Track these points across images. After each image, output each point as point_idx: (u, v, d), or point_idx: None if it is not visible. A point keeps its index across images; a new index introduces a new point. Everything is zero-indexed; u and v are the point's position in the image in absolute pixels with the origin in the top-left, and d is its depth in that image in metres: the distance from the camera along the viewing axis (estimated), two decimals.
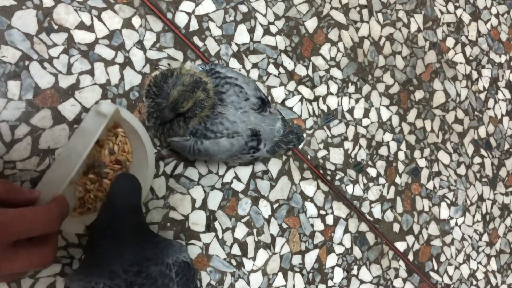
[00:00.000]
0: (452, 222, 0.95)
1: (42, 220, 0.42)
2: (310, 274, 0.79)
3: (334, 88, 0.84)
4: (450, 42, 0.99)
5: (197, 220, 0.71)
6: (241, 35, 0.77)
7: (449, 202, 0.95)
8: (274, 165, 0.77)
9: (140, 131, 0.59)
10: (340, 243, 0.82)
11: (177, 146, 0.62)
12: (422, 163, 0.92)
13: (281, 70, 0.79)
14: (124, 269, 0.47)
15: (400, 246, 0.88)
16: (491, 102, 1.03)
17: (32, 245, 0.42)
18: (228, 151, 0.62)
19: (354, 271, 0.83)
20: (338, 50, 0.85)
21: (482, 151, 1.01)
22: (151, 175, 0.61)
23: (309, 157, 0.81)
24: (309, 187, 0.80)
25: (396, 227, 0.88)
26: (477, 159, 1.00)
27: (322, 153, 0.82)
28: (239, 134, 0.62)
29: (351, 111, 0.85)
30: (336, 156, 0.83)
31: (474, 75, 1.01)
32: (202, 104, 0.58)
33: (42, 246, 0.43)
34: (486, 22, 1.04)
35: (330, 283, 0.81)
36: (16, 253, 0.39)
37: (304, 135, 0.79)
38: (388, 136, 0.89)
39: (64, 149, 0.56)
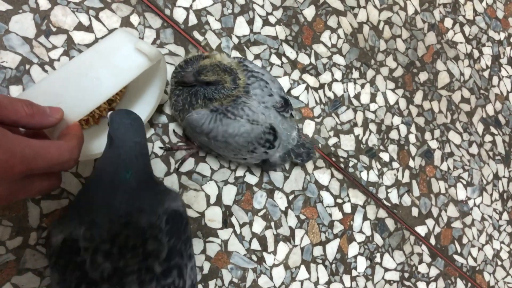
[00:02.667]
0: (470, 203, 0.93)
1: (64, 159, 0.40)
2: (333, 265, 0.77)
3: (338, 74, 0.83)
4: (448, 22, 0.98)
5: (213, 217, 0.69)
6: (241, 27, 0.76)
7: (465, 182, 0.93)
8: None
9: (162, 82, 0.59)
10: (360, 231, 0.80)
11: (193, 122, 0.59)
12: (433, 144, 0.91)
13: (284, 59, 0.78)
14: (111, 219, 0.43)
15: (421, 230, 0.86)
16: (495, 80, 1.02)
17: (43, 174, 0.41)
18: (247, 134, 0.60)
19: (377, 259, 0.81)
20: (339, 37, 0.84)
21: (492, 129, 0.99)
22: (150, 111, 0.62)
23: (320, 145, 0.79)
24: (323, 176, 0.78)
25: (414, 211, 0.86)
26: (488, 137, 0.98)
27: (332, 140, 0.80)
28: (259, 123, 0.61)
29: (357, 96, 0.84)
30: (347, 143, 0.82)
31: (476, 53, 1.01)
32: (224, 91, 0.57)
33: (52, 173, 0.42)
34: (481, 1, 1.04)
35: (354, 273, 0.78)
36: (31, 182, 0.39)
37: (316, 154, 0.77)
38: (397, 120, 0.87)
39: (77, 61, 0.50)
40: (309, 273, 0.75)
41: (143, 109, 0.62)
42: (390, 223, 0.83)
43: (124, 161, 0.44)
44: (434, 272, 0.86)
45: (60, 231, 0.44)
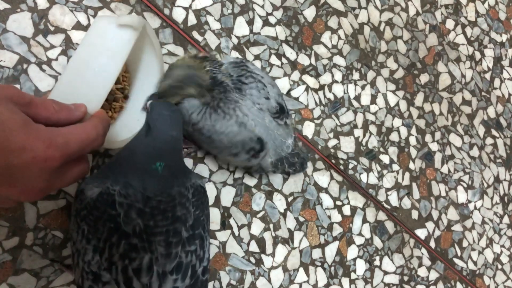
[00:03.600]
0: (471, 206, 0.93)
1: (93, 137, 0.42)
2: (332, 268, 0.76)
3: (338, 76, 0.82)
4: (449, 24, 0.98)
5: (212, 218, 0.68)
6: (241, 27, 0.75)
7: (465, 185, 0.93)
8: None
9: (156, 47, 0.59)
10: (360, 234, 0.80)
11: (182, 110, 0.59)
12: (434, 147, 0.90)
13: (284, 60, 0.78)
14: (145, 187, 0.46)
15: (421, 233, 0.86)
16: (497, 82, 1.01)
17: (74, 162, 0.43)
18: (232, 135, 0.59)
19: (377, 262, 0.80)
20: (339, 38, 0.84)
21: (494, 132, 0.99)
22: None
23: (319, 147, 0.78)
24: (322, 178, 0.78)
25: (414, 214, 0.85)
26: (489, 140, 0.98)
27: (332, 142, 0.80)
28: (246, 127, 0.60)
29: (358, 98, 0.84)
30: (347, 145, 0.81)
31: (477, 55, 1.00)
32: (197, 99, 0.57)
33: (81, 161, 0.44)
34: (483, 2, 1.03)
35: (353, 275, 0.78)
36: (65, 172, 0.41)
37: (309, 163, 0.77)
38: (397, 122, 0.87)
39: (75, 61, 0.50)
40: (308, 275, 0.74)
41: (151, 81, 0.63)
42: (389, 226, 0.83)
43: (158, 153, 0.47)
44: (433, 275, 0.86)
45: (96, 186, 0.46)
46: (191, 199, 0.49)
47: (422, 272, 0.85)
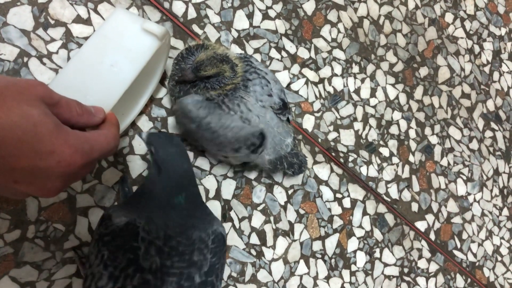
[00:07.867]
0: (470, 198, 0.93)
1: (111, 148, 0.44)
2: (333, 260, 0.77)
3: (338, 69, 0.83)
4: (449, 17, 0.98)
5: (212, 211, 0.68)
6: (240, 21, 0.75)
7: (465, 178, 0.93)
8: None
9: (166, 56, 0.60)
10: (360, 226, 0.80)
11: (187, 106, 0.58)
12: (433, 140, 0.90)
13: (284, 54, 0.78)
14: (166, 224, 0.47)
15: (421, 225, 0.86)
16: (496, 75, 1.02)
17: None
18: (237, 130, 0.59)
19: (377, 254, 0.81)
20: (339, 31, 0.84)
21: (493, 125, 0.99)
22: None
23: (319, 140, 0.79)
24: (322, 171, 0.78)
25: (414, 207, 0.86)
26: (488, 133, 0.98)
27: (332, 135, 0.80)
28: (250, 123, 0.60)
29: (357, 91, 0.84)
30: (347, 138, 0.81)
31: (476, 49, 1.00)
32: (224, 81, 0.56)
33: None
34: None
35: (353, 267, 0.78)
36: (79, 172, 0.42)
37: (308, 165, 0.77)
38: (397, 115, 0.87)
39: (88, 48, 0.50)
40: (308, 267, 0.74)
41: (147, 81, 0.63)
42: (389, 218, 0.83)
43: (176, 188, 0.48)
44: (433, 267, 0.86)
45: (124, 215, 0.46)
46: (210, 245, 0.49)
47: (422, 264, 0.85)
